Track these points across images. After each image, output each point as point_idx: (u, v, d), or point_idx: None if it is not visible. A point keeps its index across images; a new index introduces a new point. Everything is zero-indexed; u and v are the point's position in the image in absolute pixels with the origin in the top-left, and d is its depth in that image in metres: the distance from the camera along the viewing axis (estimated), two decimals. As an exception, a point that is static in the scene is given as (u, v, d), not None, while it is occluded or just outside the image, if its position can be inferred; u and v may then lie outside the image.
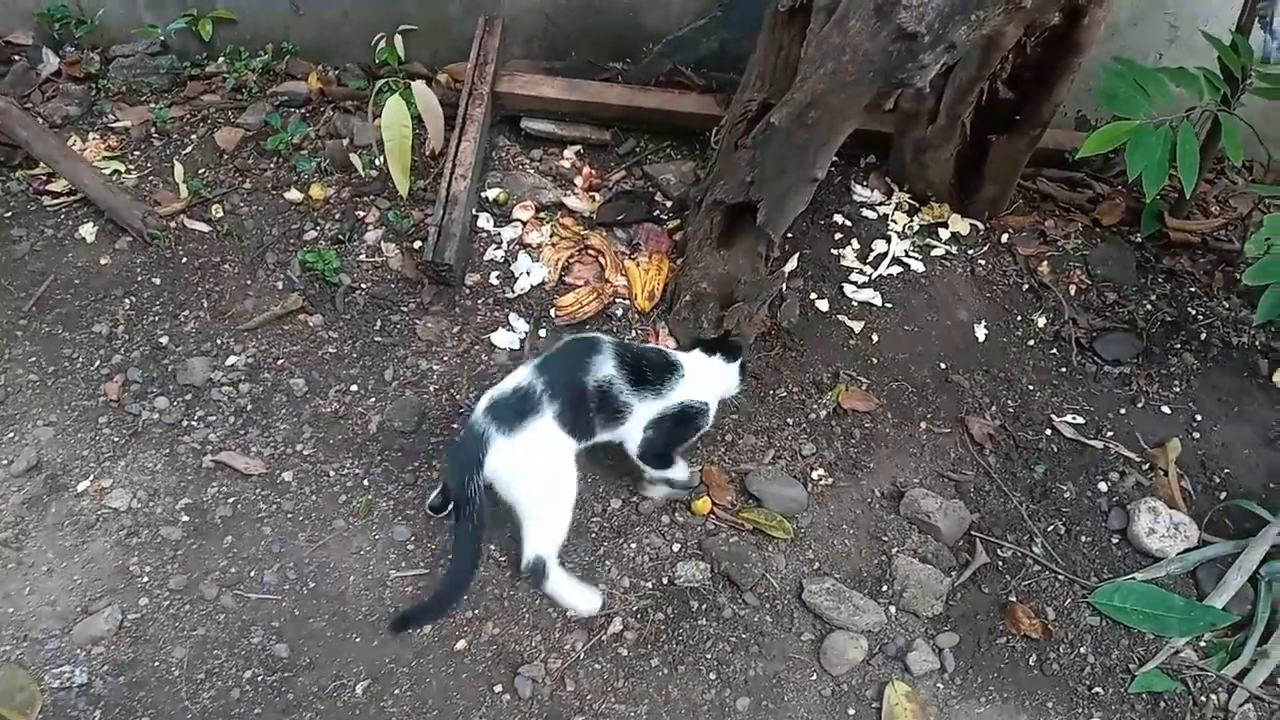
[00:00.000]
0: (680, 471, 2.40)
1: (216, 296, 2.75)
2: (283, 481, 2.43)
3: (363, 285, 2.78)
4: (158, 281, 2.77)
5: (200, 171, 3.02)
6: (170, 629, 2.18)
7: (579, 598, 2.25)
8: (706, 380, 2.35)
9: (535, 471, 2.19)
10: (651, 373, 2.28)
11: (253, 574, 2.29)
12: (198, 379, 2.58)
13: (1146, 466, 2.60)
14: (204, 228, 2.89)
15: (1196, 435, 2.68)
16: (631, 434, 2.31)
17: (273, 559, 2.31)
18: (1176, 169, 2.52)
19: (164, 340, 2.65)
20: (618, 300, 2.84)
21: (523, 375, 2.20)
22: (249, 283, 2.78)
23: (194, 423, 2.51)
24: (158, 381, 2.57)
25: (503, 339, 2.71)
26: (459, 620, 2.25)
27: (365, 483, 2.44)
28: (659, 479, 2.41)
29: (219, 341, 2.66)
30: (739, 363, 2.41)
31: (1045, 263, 2.96)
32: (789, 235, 2.91)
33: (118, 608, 2.19)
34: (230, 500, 2.39)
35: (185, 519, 2.36)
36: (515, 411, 2.15)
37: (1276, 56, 2.50)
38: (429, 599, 2.23)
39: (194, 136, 3.13)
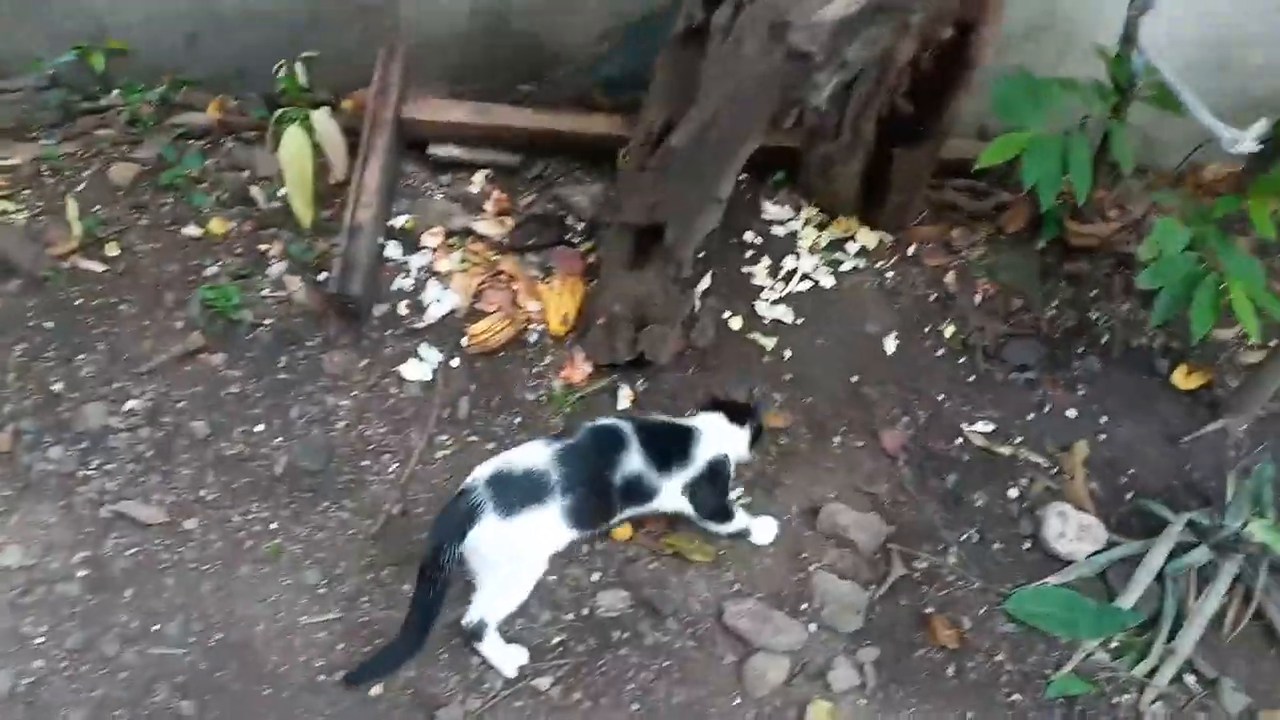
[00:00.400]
0: (740, 523, 2.41)
1: (113, 339, 2.66)
2: (185, 529, 2.36)
3: (266, 321, 2.71)
4: (50, 325, 2.66)
5: (94, 209, 2.91)
6: (67, 692, 2.10)
7: (505, 660, 2.21)
8: (717, 439, 2.33)
9: (519, 557, 2.14)
10: (675, 449, 2.27)
11: (155, 628, 2.21)
12: (94, 426, 2.49)
13: (1055, 470, 2.65)
14: (99, 267, 2.79)
15: (1102, 437, 2.73)
16: (668, 505, 2.31)
17: (176, 611, 2.24)
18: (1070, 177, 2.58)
19: (58, 387, 2.55)
20: (532, 325, 2.81)
21: (538, 458, 2.12)
22: (147, 323, 2.69)
23: (91, 472, 2.43)
24: (52, 430, 2.48)
25: (413, 370, 2.66)
26: (374, 664, 2.20)
27: (273, 526, 2.38)
28: (729, 534, 2.43)
29: (116, 386, 2.57)
30: (748, 428, 2.38)
31: (951, 272, 3.00)
32: (701, 254, 2.90)
33: (10, 673, 2.10)
34: (130, 552, 2.32)
35: (83, 574, 2.27)
36: (520, 495, 2.07)
37: (1145, 70, 2.56)
38: (378, 655, 2.15)
39: (87, 173, 3.02)
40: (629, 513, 2.30)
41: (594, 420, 2.29)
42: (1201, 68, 3.06)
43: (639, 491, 2.24)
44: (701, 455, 2.30)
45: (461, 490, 2.09)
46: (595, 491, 2.16)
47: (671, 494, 2.29)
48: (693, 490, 2.30)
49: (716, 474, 2.32)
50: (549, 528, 2.11)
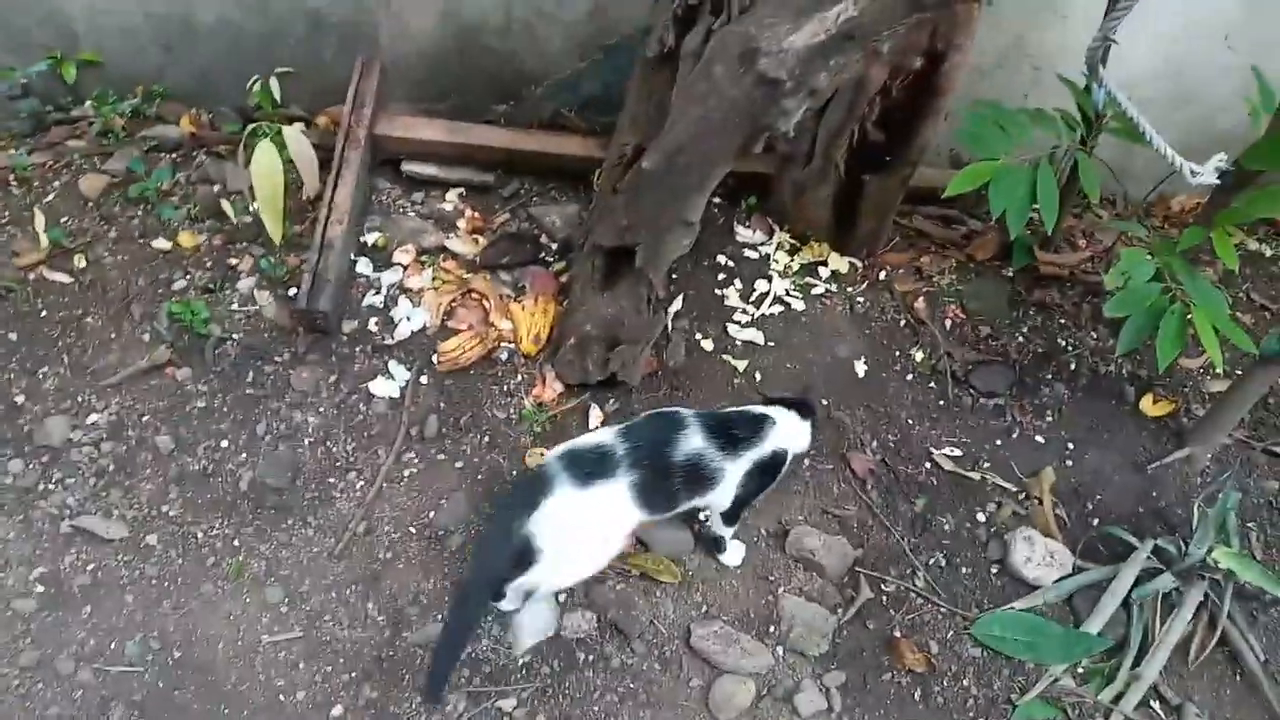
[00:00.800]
0: (731, 532, 2.41)
1: (78, 351, 2.62)
2: (147, 545, 2.32)
3: (234, 336, 2.68)
4: (14, 337, 2.63)
5: (62, 220, 2.89)
6: (20, 711, 2.06)
7: (526, 633, 2.25)
8: (789, 431, 2.33)
9: (584, 533, 2.13)
10: (743, 432, 2.26)
11: (113, 646, 2.17)
12: (56, 439, 2.45)
13: (1022, 496, 2.67)
14: (65, 279, 2.76)
15: (1069, 463, 2.75)
16: (723, 499, 2.29)
17: (135, 629, 2.20)
18: (1039, 206, 2.61)
19: (19, 399, 2.52)
20: (502, 344, 2.80)
21: (606, 435, 2.16)
22: (113, 336, 2.66)
23: (51, 486, 2.39)
24: (12, 443, 2.44)
25: (382, 387, 2.64)
26: (335, 685, 2.17)
27: (236, 543, 2.35)
28: (716, 535, 2.41)
29: (80, 399, 2.53)
30: (810, 422, 2.40)
31: (922, 298, 3.02)
32: (674, 276, 2.92)
33: (-40, 691, 2.05)
34: (89, 568, 2.28)
35: (39, 589, 2.23)
36: (593, 465, 2.10)
37: (1105, 102, 2.59)
38: (436, 654, 2.13)
39: (56, 184, 2.99)
40: (688, 504, 2.27)
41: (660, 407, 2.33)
42: (1164, 104, 3.12)
43: (700, 474, 2.21)
44: (771, 442, 2.28)
45: (538, 465, 2.11)
46: (659, 469, 2.16)
47: (730, 485, 2.27)
48: (748, 475, 2.28)
49: (772, 465, 2.31)
50: (616, 502, 2.12)
